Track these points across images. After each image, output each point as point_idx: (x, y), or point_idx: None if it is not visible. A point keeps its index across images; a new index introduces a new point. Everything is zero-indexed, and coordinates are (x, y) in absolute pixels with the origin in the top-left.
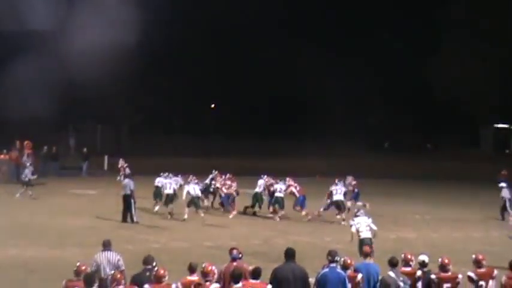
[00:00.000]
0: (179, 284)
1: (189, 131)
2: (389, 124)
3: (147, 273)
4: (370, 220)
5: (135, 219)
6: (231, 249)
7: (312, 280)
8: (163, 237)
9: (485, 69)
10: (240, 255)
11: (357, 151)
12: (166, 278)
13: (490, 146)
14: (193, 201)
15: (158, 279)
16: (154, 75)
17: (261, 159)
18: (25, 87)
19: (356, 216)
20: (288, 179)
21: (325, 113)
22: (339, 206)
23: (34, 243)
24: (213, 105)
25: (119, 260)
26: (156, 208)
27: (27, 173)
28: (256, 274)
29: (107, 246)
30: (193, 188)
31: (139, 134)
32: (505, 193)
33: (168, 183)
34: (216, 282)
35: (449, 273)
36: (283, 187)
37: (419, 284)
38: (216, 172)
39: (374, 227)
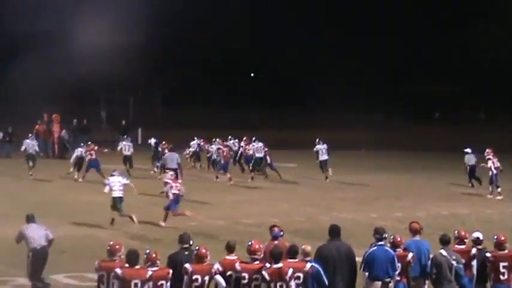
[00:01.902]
0: (219, 265)
1: (226, 101)
2: (437, 94)
3: (186, 253)
4: (125, 180)
5: None
6: (272, 227)
7: (358, 259)
8: (200, 215)
9: None
10: (282, 233)
11: (405, 122)
12: (208, 258)
13: None
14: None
15: (200, 259)
16: (184, 46)
17: (301, 130)
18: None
19: (112, 175)
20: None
21: (366, 84)
22: (322, 166)
23: (64, 222)
24: (252, 74)
25: (46, 230)
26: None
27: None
28: (292, 253)
29: (31, 219)
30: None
31: (173, 105)
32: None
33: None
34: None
35: (506, 251)
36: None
37: (474, 263)
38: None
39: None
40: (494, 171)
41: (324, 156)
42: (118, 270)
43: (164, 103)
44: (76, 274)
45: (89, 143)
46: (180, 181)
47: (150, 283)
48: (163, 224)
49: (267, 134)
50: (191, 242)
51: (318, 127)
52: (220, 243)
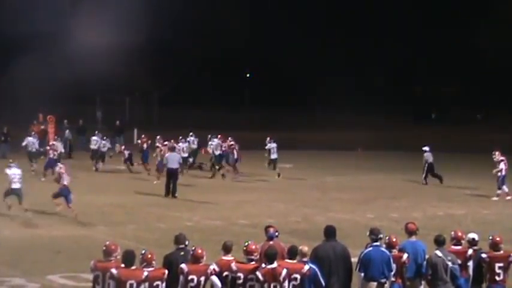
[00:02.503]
0: (215, 265)
1: (221, 102)
2: (436, 94)
3: (181, 253)
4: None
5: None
6: (267, 227)
7: (354, 260)
8: (196, 215)
9: None
10: (277, 234)
11: (403, 123)
12: (204, 258)
13: None
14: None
15: (196, 259)
16: (183, 46)
17: (297, 130)
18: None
19: (9, 167)
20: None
21: (366, 85)
22: (275, 164)
23: (60, 222)
24: (248, 75)
25: None
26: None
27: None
28: (292, 253)
29: None
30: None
31: (169, 106)
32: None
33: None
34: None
35: (501, 252)
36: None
37: (471, 263)
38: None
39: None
40: (504, 173)
41: (274, 155)
42: (114, 271)
43: (161, 103)
44: (72, 274)
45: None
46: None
47: (146, 284)
48: (58, 209)
49: (262, 134)
50: (187, 243)
51: (316, 127)
52: (217, 244)
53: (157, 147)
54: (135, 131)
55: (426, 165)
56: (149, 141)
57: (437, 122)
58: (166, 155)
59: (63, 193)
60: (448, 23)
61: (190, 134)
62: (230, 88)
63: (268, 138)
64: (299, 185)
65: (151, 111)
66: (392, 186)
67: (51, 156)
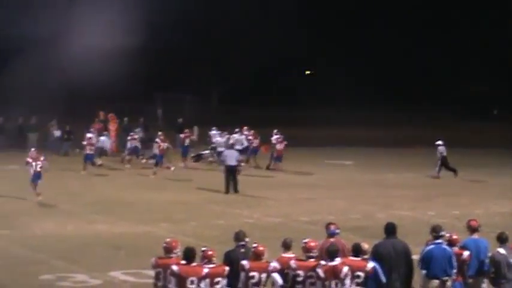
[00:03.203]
0: (276, 263)
1: (281, 101)
2: (497, 91)
3: (242, 250)
4: None
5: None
6: (328, 225)
7: (415, 257)
8: (256, 212)
9: None
10: (338, 231)
11: (462, 120)
12: (265, 255)
13: None
14: None
15: (257, 256)
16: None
17: (357, 127)
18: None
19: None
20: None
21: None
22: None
23: (121, 219)
24: (307, 72)
25: None
26: None
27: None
28: (357, 251)
29: None
30: None
31: (228, 104)
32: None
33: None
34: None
35: None
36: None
37: None
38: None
39: None
40: None
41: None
42: (174, 267)
43: (221, 101)
44: (133, 271)
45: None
46: (42, 158)
47: (207, 280)
48: (40, 198)
49: (324, 131)
50: (247, 240)
51: (374, 125)
52: (277, 241)
53: (156, 142)
54: (196, 128)
55: (440, 158)
56: (192, 137)
57: (496, 118)
58: (225, 151)
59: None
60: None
61: (236, 130)
62: (288, 86)
63: (274, 131)
64: (359, 181)
65: (210, 109)
66: (454, 183)
67: (88, 151)
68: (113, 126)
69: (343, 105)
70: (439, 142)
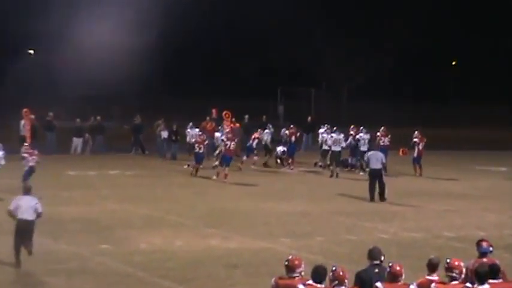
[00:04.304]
0: (416, 285)
1: (421, 97)
2: None
3: (376, 270)
4: None
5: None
6: (480, 242)
7: None
8: (392, 226)
9: None
10: (491, 249)
11: None
12: (403, 276)
13: None
14: None
15: (393, 277)
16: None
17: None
18: None
19: None
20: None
21: None
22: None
23: (237, 233)
24: (454, 63)
25: (36, 203)
26: None
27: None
28: (494, 272)
29: (27, 191)
30: None
31: (359, 100)
32: None
33: None
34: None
35: None
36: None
37: None
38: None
39: None
40: None
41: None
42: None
43: (350, 97)
44: None
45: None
46: (36, 152)
47: None
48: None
49: (470, 131)
50: (382, 258)
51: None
52: (417, 260)
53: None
54: (324, 128)
55: None
56: (298, 134)
57: None
58: (369, 153)
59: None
60: None
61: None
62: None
63: (325, 125)
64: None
65: (339, 106)
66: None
67: (197, 150)
68: (227, 124)
69: (496, 103)
70: None
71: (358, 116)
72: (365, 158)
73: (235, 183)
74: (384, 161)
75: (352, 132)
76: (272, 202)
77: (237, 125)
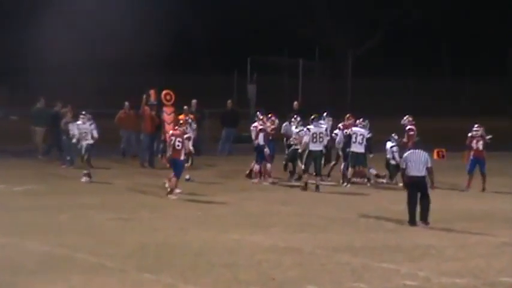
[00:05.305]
0: None
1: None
2: None
3: None
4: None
5: None
6: None
7: None
8: (423, 268)
9: None
10: None
11: None
12: None
13: None
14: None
15: None
16: None
17: None
18: None
19: None
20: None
21: None
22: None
23: (185, 281)
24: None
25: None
26: None
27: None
28: None
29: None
30: None
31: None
32: None
33: None
34: None
35: None
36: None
37: None
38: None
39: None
40: None
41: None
42: None
43: (356, 71)
44: None
45: None
46: None
47: None
48: None
49: None
50: None
51: None
52: None
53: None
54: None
55: None
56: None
57: None
58: (408, 153)
59: None
60: None
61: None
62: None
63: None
64: None
65: (341, 84)
66: None
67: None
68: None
69: None
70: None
71: (368, 98)
72: (400, 160)
73: (186, 201)
74: (429, 164)
75: (340, 125)
76: (240, 231)
77: (191, 116)
